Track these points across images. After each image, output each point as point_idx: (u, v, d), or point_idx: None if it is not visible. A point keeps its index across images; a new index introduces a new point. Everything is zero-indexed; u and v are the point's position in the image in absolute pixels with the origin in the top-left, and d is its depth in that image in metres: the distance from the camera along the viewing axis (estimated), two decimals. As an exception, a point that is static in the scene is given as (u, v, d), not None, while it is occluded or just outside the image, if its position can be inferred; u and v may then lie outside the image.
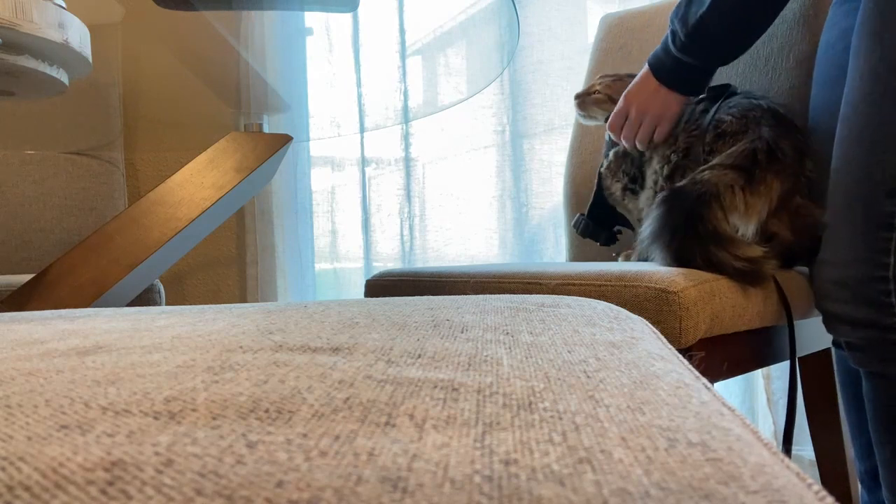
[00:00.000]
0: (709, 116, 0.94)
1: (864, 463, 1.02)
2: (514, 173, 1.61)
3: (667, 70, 0.96)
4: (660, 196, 0.84)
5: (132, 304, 1.20)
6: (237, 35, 1.40)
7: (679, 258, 0.79)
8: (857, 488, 1.06)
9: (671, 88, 0.97)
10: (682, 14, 0.91)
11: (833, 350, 1.02)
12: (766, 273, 0.80)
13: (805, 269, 0.97)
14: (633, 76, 1.07)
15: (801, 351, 0.97)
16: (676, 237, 0.80)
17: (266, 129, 1.31)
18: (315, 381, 0.25)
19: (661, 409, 0.22)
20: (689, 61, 0.93)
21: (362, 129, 1.56)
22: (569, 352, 0.31)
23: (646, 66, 1.00)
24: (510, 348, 0.31)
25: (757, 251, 0.79)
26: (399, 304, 0.47)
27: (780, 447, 0.86)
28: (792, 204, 0.88)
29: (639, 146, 1.03)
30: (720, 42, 0.91)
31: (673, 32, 0.93)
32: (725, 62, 0.95)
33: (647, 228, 0.84)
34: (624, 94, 1.03)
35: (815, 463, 1.06)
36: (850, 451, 1.05)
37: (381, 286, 1.04)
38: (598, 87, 1.14)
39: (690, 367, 0.31)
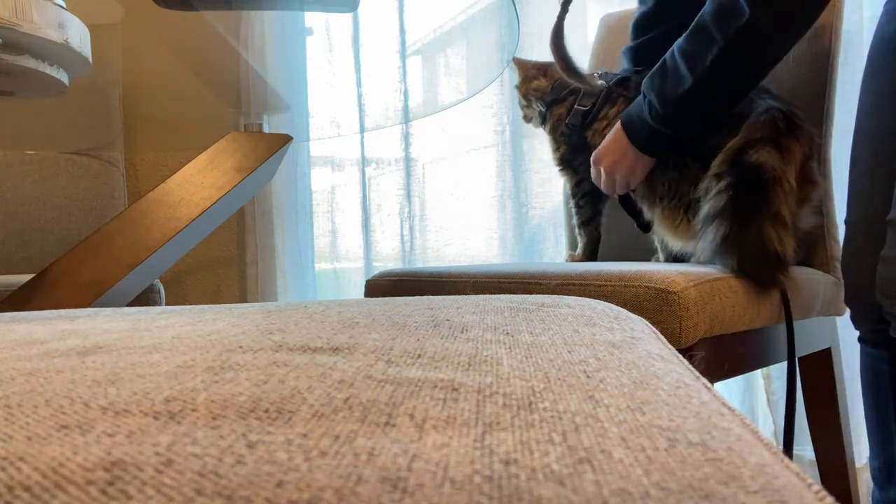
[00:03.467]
0: None
1: (877, 459, 1.02)
2: (514, 173, 1.61)
3: (643, 137, 0.96)
4: (724, 182, 0.84)
5: (132, 304, 1.20)
6: (237, 35, 1.40)
7: (738, 239, 0.79)
8: (857, 488, 1.06)
9: (641, 150, 0.97)
10: (657, 88, 0.91)
11: (861, 348, 1.03)
12: (779, 276, 0.80)
13: (804, 270, 0.97)
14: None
15: (801, 351, 0.97)
16: (742, 218, 0.80)
17: (266, 129, 1.31)
18: (315, 381, 0.25)
19: (661, 409, 0.22)
20: (666, 132, 0.93)
21: (362, 129, 1.56)
22: (569, 352, 0.31)
23: (618, 125, 1.00)
24: (510, 348, 0.31)
25: (791, 247, 0.81)
26: (399, 304, 0.47)
27: (781, 450, 0.86)
28: (806, 168, 0.89)
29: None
30: (700, 117, 0.91)
31: (650, 105, 0.92)
32: (697, 133, 0.96)
33: (707, 208, 0.84)
34: (595, 154, 1.04)
35: (815, 463, 1.06)
36: (850, 451, 1.05)
37: (381, 286, 1.04)
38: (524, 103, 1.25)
39: (690, 367, 0.31)
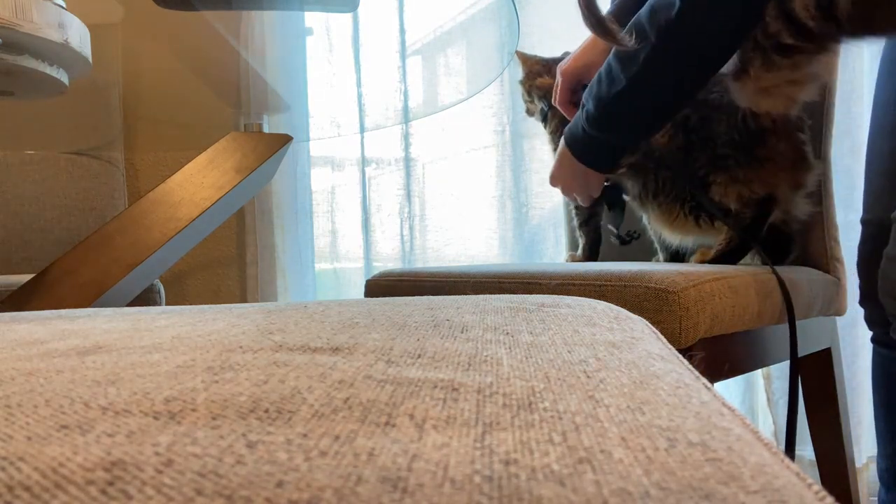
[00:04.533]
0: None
1: (886, 461, 1.02)
2: (514, 173, 1.61)
3: (580, 145, 0.94)
4: None
5: (132, 304, 1.20)
6: (237, 35, 1.40)
7: None
8: (857, 488, 1.06)
9: (585, 164, 0.95)
10: (594, 92, 0.88)
11: (873, 348, 1.03)
12: None
13: (804, 270, 0.97)
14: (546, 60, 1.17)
15: (801, 351, 0.97)
16: None
17: (266, 129, 1.31)
18: (315, 381, 0.25)
19: (661, 409, 0.22)
20: (600, 137, 0.90)
21: (362, 129, 1.56)
22: (569, 352, 0.31)
23: (562, 143, 0.99)
24: (510, 348, 0.31)
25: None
26: (399, 304, 0.47)
27: (783, 449, 0.86)
28: (797, 141, 0.91)
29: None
30: (633, 121, 0.88)
31: (586, 111, 0.90)
32: (635, 141, 0.94)
33: None
34: (550, 177, 1.04)
35: (815, 463, 1.06)
36: (850, 450, 1.05)
37: (381, 286, 1.04)
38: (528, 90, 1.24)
39: (690, 367, 0.31)
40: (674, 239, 1.03)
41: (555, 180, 1.02)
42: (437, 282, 0.95)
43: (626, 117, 0.87)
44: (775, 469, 0.18)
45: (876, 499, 1.10)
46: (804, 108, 0.99)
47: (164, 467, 0.17)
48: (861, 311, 1.03)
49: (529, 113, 1.26)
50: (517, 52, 1.26)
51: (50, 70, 0.91)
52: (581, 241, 1.17)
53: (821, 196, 1.00)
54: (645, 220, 1.08)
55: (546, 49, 1.57)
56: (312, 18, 1.55)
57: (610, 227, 1.15)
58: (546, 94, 1.18)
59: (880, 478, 1.04)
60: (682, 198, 0.98)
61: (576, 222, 1.17)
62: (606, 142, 0.91)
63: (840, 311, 1.03)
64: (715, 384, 0.80)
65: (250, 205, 1.59)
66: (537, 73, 1.21)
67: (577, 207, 1.17)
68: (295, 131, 1.38)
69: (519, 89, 1.28)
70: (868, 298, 1.00)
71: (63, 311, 0.55)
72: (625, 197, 1.09)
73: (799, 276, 0.89)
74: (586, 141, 0.92)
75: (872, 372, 1.04)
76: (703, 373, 0.31)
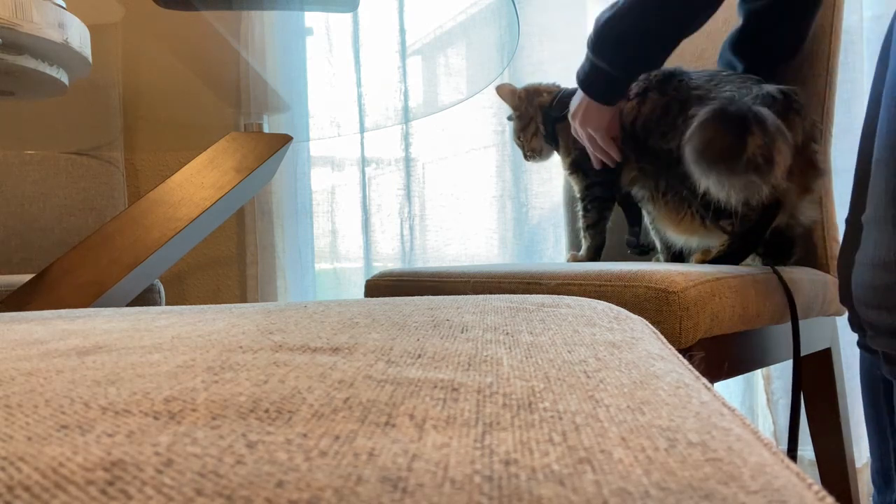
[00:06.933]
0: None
1: (876, 462, 1.02)
2: (514, 173, 1.61)
3: (583, 74, 1.00)
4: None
5: (132, 304, 1.20)
6: (237, 35, 1.39)
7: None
8: (857, 488, 1.06)
9: (587, 94, 1.00)
10: (598, 17, 0.95)
11: (860, 351, 1.02)
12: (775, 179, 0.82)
13: (804, 270, 0.97)
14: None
15: (802, 351, 0.97)
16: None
17: (266, 129, 1.31)
18: (315, 381, 0.25)
19: (661, 409, 0.22)
20: (595, 63, 0.95)
21: (362, 129, 1.56)
22: (569, 352, 0.31)
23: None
24: (510, 348, 0.31)
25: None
26: (399, 304, 0.47)
27: (786, 448, 0.86)
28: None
29: (616, 158, 1.07)
30: (625, 43, 0.93)
31: (590, 36, 0.96)
32: (632, 71, 0.97)
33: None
34: (570, 113, 1.08)
35: (815, 463, 1.06)
36: (850, 451, 1.05)
37: (381, 286, 1.04)
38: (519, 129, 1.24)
39: (690, 367, 0.31)
40: (679, 239, 1.03)
41: (574, 115, 1.07)
42: (437, 282, 0.95)
43: (618, 42, 0.93)
44: (775, 469, 0.18)
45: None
46: (813, 109, 0.99)
47: (164, 467, 0.17)
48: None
49: (534, 152, 1.24)
50: (508, 87, 1.26)
51: (50, 70, 0.91)
52: (586, 243, 1.16)
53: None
54: (647, 219, 1.08)
55: (546, 49, 1.57)
56: (312, 18, 1.55)
57: (629, 237, 1.15)
58: (550, 111, 1.19)
59: (873, 481, 1.04)
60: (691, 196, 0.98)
61: (582, 224, 1.17)
62: (602, 71, 0.96)
63: (840, 311, 1.03)
64: (715, 384, 0.80)
65: (250, 205, 1.59)
66: (533, 94, 1.21)
67: (585, 210, 1.16)
68: (295, 131, 1.38)
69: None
70: (846, 300, 0.99)
71: (63, 311, 0.55)
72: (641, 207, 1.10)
73: (799, 276, 0.89)
74: (588, 69, 0.98)
75: (860, 375, 1.04)
76: (703, 373, 0.31)
